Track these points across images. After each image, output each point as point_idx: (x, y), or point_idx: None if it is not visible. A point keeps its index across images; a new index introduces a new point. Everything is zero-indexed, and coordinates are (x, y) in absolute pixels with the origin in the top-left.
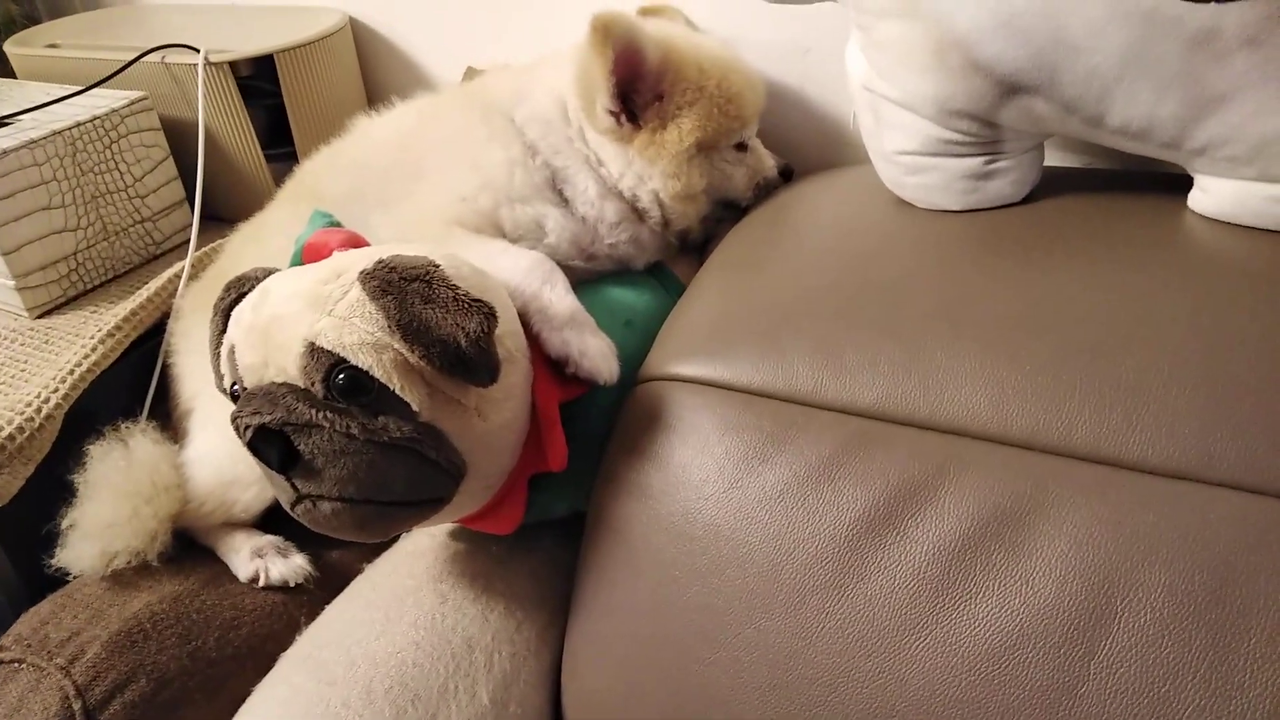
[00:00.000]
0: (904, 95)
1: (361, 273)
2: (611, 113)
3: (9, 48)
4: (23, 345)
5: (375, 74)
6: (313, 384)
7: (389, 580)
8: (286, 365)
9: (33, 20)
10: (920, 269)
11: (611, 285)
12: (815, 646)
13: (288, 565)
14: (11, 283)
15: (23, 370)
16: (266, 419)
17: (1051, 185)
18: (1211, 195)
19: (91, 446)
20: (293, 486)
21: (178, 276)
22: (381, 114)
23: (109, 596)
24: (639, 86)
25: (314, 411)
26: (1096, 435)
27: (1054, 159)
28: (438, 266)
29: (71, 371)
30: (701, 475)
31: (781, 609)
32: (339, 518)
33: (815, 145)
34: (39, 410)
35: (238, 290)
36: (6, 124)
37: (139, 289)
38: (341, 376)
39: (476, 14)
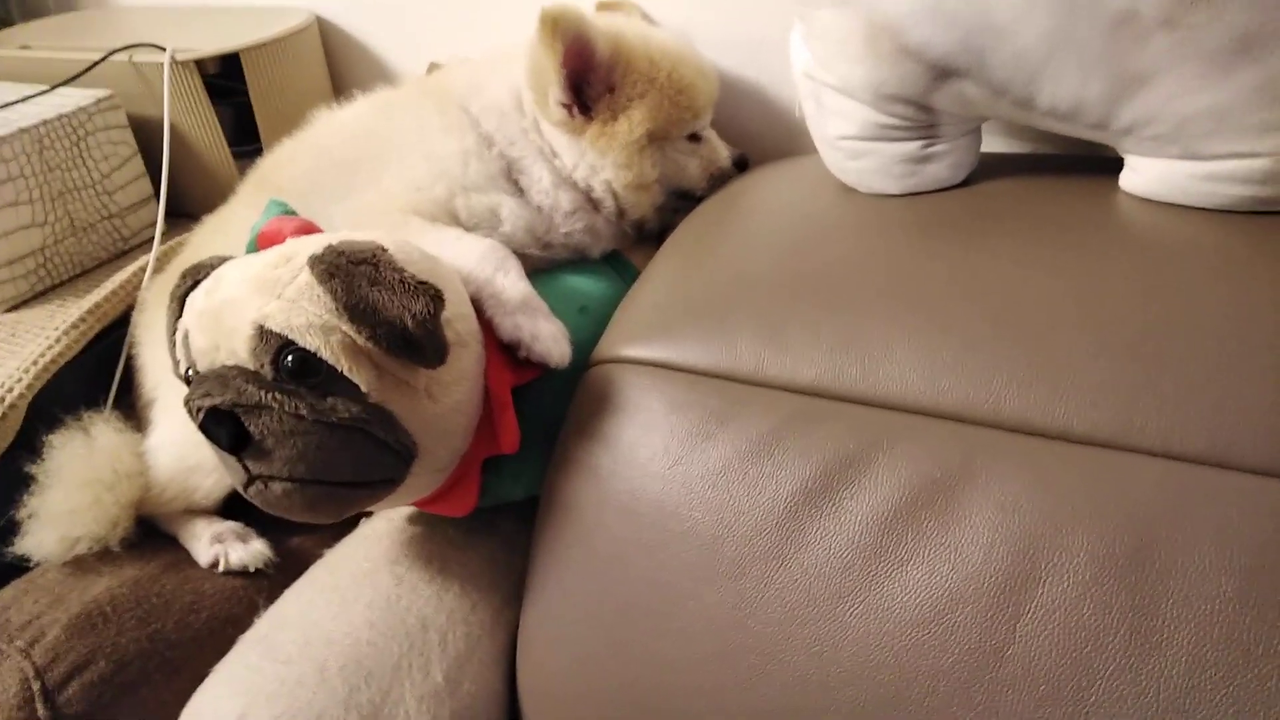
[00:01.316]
0: (842, 82)
1: (310, 257)
2: (564, 105)
3: None
4: None
5: (342, 71)
6: (262, 366)
7: (346, 563)
8: (237, 348)
9: (6, 22)
10: (862, 251)
11: (568, 273)
12: (755, 616)
13: (247, 550)
14: None
15: None
16: (217, 400)
17: (989, 170)
18: (1140, 174)
19: (53, 436)
20: (245, 468)
21: (142, 270)
22: (341, 107)
23: (70, 581)
24: (590, 79)
25: (263, 393)
26: (1024, 407)
27: (993, 145)
28: (385, 250)
29: (35, 362)
30: (648, 453)
31: (723, 580)
32: (290, 498)
33: (771, 135)
34: (1, 400)
35: (193, 278)
36: None
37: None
38: (290, 358)
39: (440, 11)
